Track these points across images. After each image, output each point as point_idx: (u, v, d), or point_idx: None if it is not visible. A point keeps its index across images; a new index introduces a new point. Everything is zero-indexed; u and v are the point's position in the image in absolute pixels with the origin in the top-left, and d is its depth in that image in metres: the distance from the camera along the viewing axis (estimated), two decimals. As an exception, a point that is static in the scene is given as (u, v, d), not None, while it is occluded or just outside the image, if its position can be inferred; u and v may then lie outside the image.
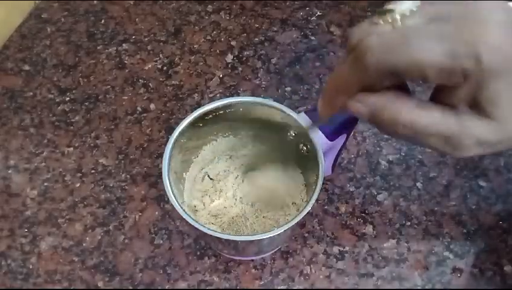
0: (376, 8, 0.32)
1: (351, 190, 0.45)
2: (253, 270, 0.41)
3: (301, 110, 0.46)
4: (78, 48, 0.54)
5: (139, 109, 0.50)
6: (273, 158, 0.40)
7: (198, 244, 0.42)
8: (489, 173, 0.46)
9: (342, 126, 0.37)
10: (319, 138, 0.36)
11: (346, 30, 0.54)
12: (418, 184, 0.45)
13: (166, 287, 0.41)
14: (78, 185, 0.45)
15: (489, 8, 0.23)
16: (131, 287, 0.41)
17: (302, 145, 0.38)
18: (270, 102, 0.38)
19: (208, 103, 0.38)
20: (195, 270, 0.41)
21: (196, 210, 0.40)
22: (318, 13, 0.56)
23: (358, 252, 0.42)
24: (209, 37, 0.54)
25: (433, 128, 0.25)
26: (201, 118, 0.38)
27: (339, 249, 0.42)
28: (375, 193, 0.45)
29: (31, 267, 0.42)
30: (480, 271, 0.41)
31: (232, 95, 0.50)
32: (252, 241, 0.35)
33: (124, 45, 0.54)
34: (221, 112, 0.38)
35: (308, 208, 0.33)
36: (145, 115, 0.49)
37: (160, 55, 0.53)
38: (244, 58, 0.53)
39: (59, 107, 0.50)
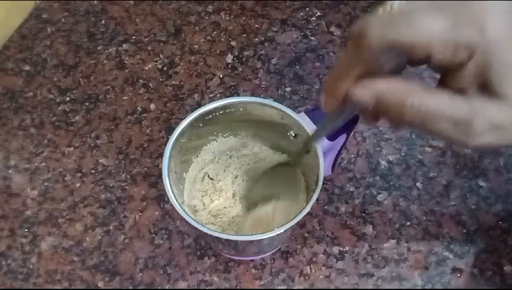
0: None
1: (351, 190, 0.45)
2: (253, 270, 0.41)
3: (301, 110, 0.46)
4: (79, 48, 0.54)
5: (139, 109, 0.50)
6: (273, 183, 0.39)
7: (198, 244, 0.42)
8: (489, 173, 0.46)
9: (342, 126, 0.37)
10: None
11: (346, 30, 0.54)
12: (418, 184, 0.45)
13: (166, 287, 0.41)
14: (78, 185, 0.45)
15: None
16: (131, 287, 0.41)
17: (302, 144, 0.38)
18: (270, 102, 0.38)
19: (208, 103, 0.38)
20: (195, 270, 0.41)
21: (196, 210, 0.40)
22: (318, 13, 0.56)
23: (358, 252, 0.42)
24: (209, 38, 0.54)
25: (442, 112, 0.23)
26: (201, 118, 0.38)
27: (339, 249, 0.42)
28: (375, 193, 0.45)
29: (31, 267, 0.42)
30: (480, 271, 0.41)
31: (232, 95, 0.50)
32: (252, 241, 0.35)
33: (124, 45, 0.54)
34: (221, 112, 0.38)
35: (308, 208, 0.33)
36: (145, 115, 0.49)
37: (161, 56, 0.53)
38: (244, 59, 0.53)
39: (59, 107, 0.50)
